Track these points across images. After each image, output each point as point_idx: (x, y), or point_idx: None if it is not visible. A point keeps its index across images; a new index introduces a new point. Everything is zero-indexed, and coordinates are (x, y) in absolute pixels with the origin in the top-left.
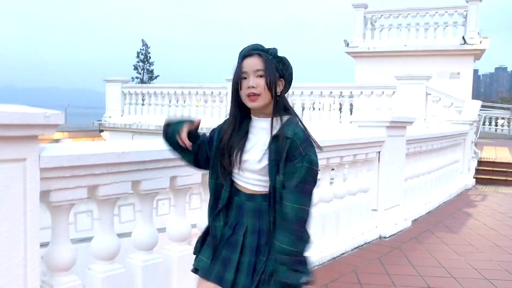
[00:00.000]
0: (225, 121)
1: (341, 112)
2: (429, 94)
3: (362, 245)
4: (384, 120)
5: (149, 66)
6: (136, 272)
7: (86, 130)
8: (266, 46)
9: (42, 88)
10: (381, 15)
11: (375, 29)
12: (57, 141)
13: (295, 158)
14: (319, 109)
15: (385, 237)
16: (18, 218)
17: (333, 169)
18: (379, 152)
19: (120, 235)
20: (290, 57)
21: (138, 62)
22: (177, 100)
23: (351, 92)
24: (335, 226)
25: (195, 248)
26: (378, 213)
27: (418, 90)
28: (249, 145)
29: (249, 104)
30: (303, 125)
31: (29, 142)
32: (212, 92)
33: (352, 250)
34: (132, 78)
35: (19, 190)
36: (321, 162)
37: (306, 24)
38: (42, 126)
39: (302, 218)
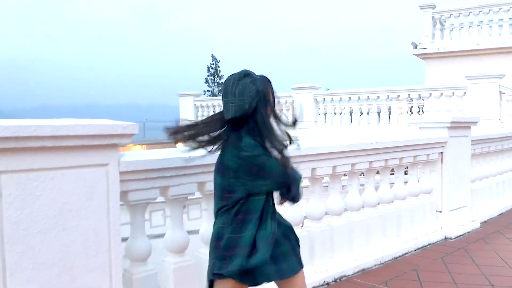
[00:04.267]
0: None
1: (410, 115)
2: (503, 93)
3: (425, 246)
4: (445, 121)
5: (219, 80)
6: (204, 264)
7: (163, 143)
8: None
9: (122, 105)
10: (451, 15)
11: (444, 29)
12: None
13: None
14: (387, 113)
15: (450, 238)
16: (103, 213)
17: (393, 171)
18: (441, 153)
19: (189, 232)
20: (358, 61)
21: (208, 76)
22: None
23: (419, 94)
24: (396, 226)
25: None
26: (442, 214)
27: (491, 89)
28: None
29: None
30: None
31: (111, 149)
32: (279, 101)
33: (414, 250)
34: (204, 91)
35: (103, 190)
36: (378, 164)
37: (374, 27)
38: (121, 136)
39: None
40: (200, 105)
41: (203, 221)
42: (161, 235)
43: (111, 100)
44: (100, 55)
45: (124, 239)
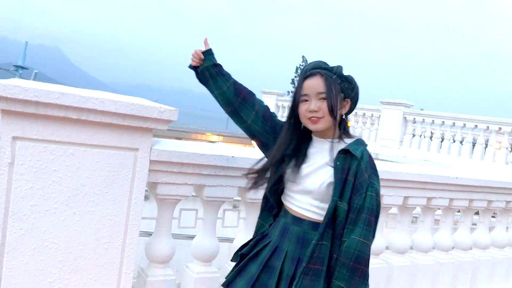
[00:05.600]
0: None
1: (510, 152)
2: None
3: None
4: None
5: None
6: None
7: (240, 137)
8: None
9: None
10: None
11: None
12: (212, 143)
13: (361, 187)
14: (483, 146)
15: None
16: (123, 204)
17: (477, 213)
18: None
19: (221, 239)
20: (478, 92)
21: (295, 76)
22: None
23: None
24: (470, 278)
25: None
26: None
27: None
28: (307, 165)
29: (311, 126)
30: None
31: (143, 133)
32: (364, 113)
33: None
34: (288, 92)
35: (127, 178)
36: (461, 203)
37: (490, 55)
38: (156, 120)
39: (365, 254)
40: (282, 105)
41: (239, 230)
42: (190, 237)
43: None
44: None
45: (143, 234)
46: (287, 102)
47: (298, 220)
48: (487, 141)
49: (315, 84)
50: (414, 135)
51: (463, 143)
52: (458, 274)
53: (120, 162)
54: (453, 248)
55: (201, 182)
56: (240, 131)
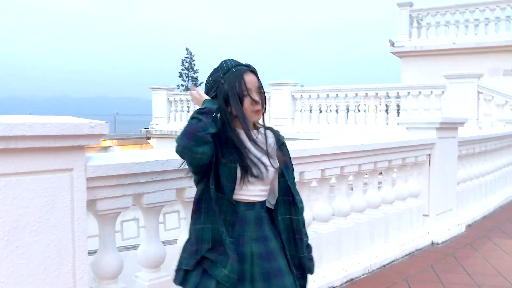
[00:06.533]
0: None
1: (387, 114)
2: (481, 93)
3: (413, 252)
4: (434, 122)
5: (194, 74)
6: None
7: (134, 138)
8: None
9: (93, 97)
10: (428, 13)
11: (421, 27)
12: (106, 148)
13: (290, 165)
14: (365, 111)
15: (437, 244)
16: (66, 227)
17: (381, 173)
18: (429, 155)
19: (165, 243)
20: (335, 58)
21: (182, 69)
22: None
23: (397, 93)
24: (384, 232)
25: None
26: (429, 218)
27: (469, 89)
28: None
29: (255, 118)
30: None
31: (76, 152)
32: None
33: (402, 257)
34: (178, 85)
35: (66, 200)
36: (368, 167)
37: (350, 25)
38: (88, 136)
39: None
40: (174, 99)
41: (181, 231)
42: (135, 247)
43: (82, 93)
44: (65, 47)
45: (92, 253)
46: (178, 96)
47: (252, 206)
48: (368, 106)
49: (253, 79)
50: (303, 111)
51: (347, 111)
52: (374, 230)
53: (57, 185)
54: (366, 208)
55: (139, 191)
56: (132, 132)
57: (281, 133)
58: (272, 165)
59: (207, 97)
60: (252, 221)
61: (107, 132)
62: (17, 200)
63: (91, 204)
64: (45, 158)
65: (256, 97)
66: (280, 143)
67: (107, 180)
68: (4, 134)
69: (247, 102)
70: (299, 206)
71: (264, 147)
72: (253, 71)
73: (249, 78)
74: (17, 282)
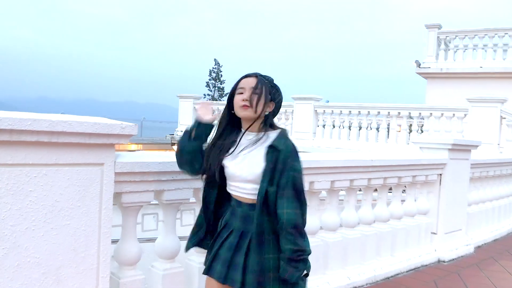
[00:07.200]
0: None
1: (409, 133)
2: (504, 118)
3: (418, 267)
4: (446, 143)
5: (220, 84)
6: (194, 272)
7: (159, 143)
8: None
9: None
10: (456, 36)
11: (449, 49)
12: (132, 152)
13: (286, 170)
14: (386, 130)
15: (443, 261)
16: (94, 214)
17: (390, 190)
18: (440, 174)
19: (180, 238)
20: (361, 77)
21: (210, 80)
22: None
23: (420, 113)
24: (390, 246)
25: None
26: (437, 236)
27: (492, 113)
28: (240, 156)
29: (241, 113)
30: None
31: (107, 149)
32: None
33: (407, 271)
34: (204, 95)
35: (96, 190)
36: (377, 181)
37: (377, 44)
38: (119, 136)
39: (296, 219)
40: None
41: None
42: (153, 239)
43: (110, 97)
44: (100, 51)
45: (114, 241)
46: None
47: (239, 203)
48: (389, 125)
49: (250, 81)
50: (325, 126)
51: (369, 129)
52: (380, 243)
53: (89, 177)
54: (374, 221)
55: (161, 188)
56: (157, 138)
57: (302, 147)
58: (232, 166)
59: (200, 117)
60: (238, 215)
61: (136, 133)
62: (54, 188)
63: (117, 196)
64: (80, 152)
65: (246, 94)
66: (273, 149)
67: (133, 176)
68: (49, 130)
69: (236, 97)
70: (280, 218)
71: (231, 149)
72: (254, 76)
73: (245, 80)
74: (49, 258)
